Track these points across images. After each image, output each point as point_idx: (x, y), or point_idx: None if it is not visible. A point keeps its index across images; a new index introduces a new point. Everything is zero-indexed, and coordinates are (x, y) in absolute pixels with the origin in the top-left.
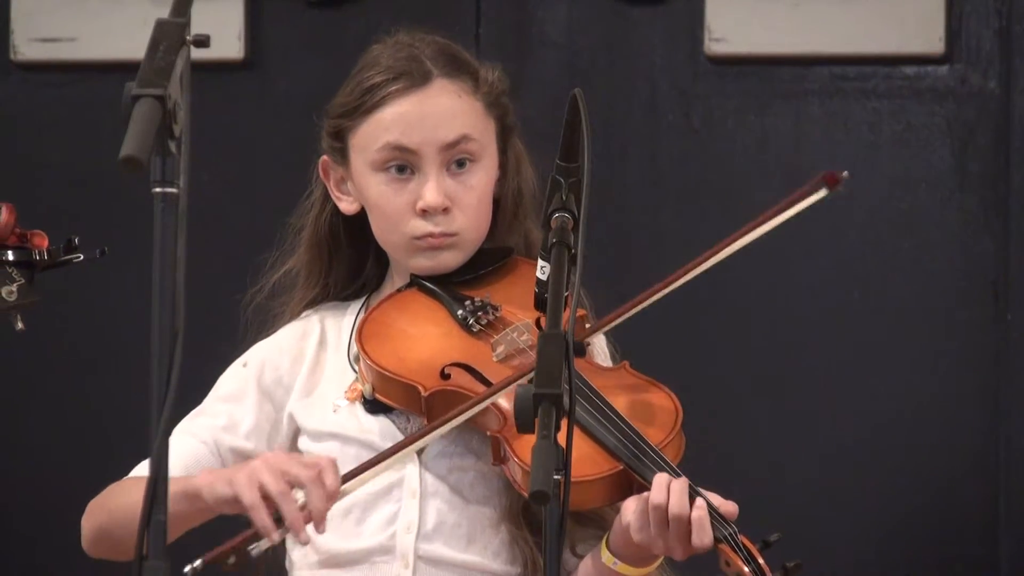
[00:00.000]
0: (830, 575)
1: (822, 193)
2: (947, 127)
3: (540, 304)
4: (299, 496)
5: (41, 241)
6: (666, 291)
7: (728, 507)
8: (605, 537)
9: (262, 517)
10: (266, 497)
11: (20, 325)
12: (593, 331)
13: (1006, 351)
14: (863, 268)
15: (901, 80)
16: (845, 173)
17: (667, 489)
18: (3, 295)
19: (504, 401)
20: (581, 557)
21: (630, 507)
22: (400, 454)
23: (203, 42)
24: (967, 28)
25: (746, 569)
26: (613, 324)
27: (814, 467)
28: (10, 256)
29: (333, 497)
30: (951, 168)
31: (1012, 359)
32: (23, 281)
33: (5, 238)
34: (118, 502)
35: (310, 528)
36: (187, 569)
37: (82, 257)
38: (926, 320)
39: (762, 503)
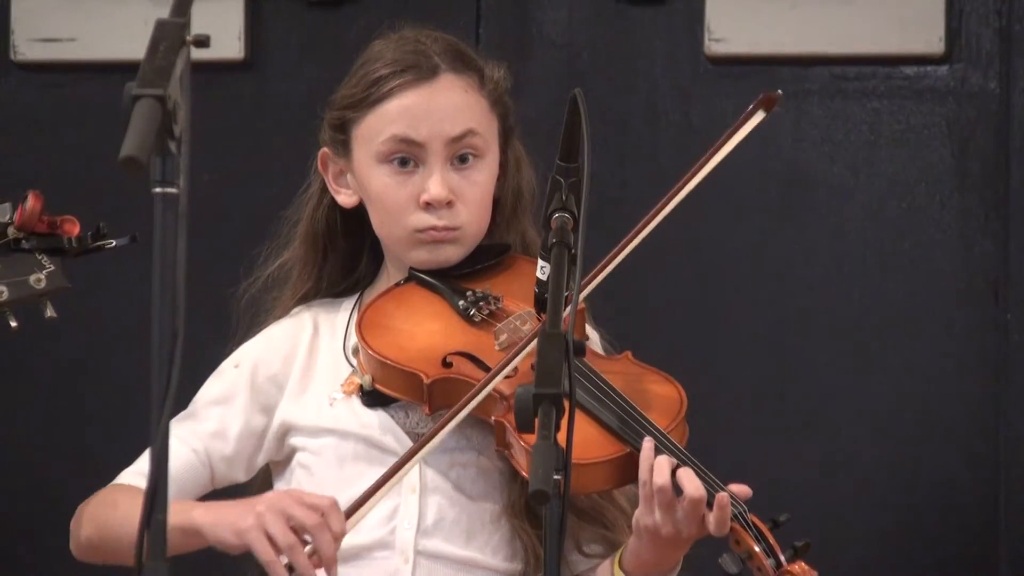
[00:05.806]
0: (829, 575)
1: (760, 116)
2: (947, 127)
3: (540, 304)
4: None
5: (72, 227)
6: (635, 243)
7: (738, 488)
8: (617, 556)
9: (278, 572)
10: (274, 546)
11: (50, 313)
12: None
13: (1006, 351)
14: (863, 268)
15: (901, 80)
16: (779, 92)
17: (651, 462)
18: (31, 282)
19: (506, 386)
20: (588, 556)
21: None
22: (409, 464)
23: (203, 42)
24: (967, 28)
25: (756, 548)
26: (591, 286)
27: (813, 467)
28: (34, 243)
29: (339, 539)
30: (951, 168)
31: (1012, 359)
32: (52, 268)
33: (32, 225)
34: (107, 517)
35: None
36: None
37: (114, 243)
38: (926, 320)
39: (760, 503)
